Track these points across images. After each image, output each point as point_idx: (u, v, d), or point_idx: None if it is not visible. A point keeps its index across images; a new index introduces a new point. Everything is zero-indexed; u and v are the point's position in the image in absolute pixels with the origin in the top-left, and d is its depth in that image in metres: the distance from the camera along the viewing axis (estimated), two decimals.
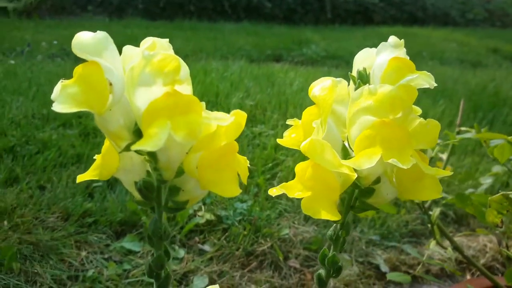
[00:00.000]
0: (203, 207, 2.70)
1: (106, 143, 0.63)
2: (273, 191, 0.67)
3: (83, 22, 10.91)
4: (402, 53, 0.64)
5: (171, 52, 0.60)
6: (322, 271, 0.73)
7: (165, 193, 0.61)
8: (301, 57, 8.92)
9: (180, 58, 0.58)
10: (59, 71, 5.08)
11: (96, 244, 2.36)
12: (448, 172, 0.63)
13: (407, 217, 2.95)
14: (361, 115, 0.60)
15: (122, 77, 0.56)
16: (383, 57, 0.63)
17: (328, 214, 0.61)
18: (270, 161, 3.36)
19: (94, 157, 0.68)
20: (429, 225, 1.48)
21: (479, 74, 7.78)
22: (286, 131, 0.75)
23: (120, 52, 0.60)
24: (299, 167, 0.66)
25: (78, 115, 3.72)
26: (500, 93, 6.08)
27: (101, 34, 0.55)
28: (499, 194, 0.97)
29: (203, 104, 0.56)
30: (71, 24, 10.23)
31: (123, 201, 2.63)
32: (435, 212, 1.36)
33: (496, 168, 1.67)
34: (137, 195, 0.60)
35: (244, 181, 0.62)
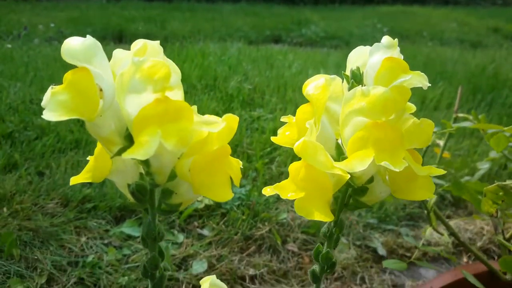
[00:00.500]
0: None
1: (99, 146, 0.63)
2: (267, 191, 0.68)
3: (80, 4, 10.80)
4: (396, 53, 0.63)
5: (162, 55, 0.59)
6: (316, 267, 0.74)
7: (158, 195, 0.61)
8: (300, 38, 8.87)
9: (170, 63, 0.58)
10: (56, 55, 5.04)
11: (95, 229, 2.37)
12: (441, 171, 0.63)
13: (404, 201, 2.96)
14: (354, 116, 0.60)
15: (112, 82, 0.55)
16: (376, 57, 0.63)
17: (321, 215, 0.61)
18: (268, 145, 3.37)
19: (87, 158, 0.69)
20: (425, 211, 1.49)
21: (479, 55, 7.74)
22: (280, 128, 0.75)
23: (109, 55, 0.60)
24: (293, 167, 0.66)
25: None
26: (499, 74, 6.06)
27: (89, 41, 0.55)
28: (494, 184, 0.97)
29: (194, 108, 0.55)
30: (68, 6, 10.13)
31: None
32: (431, 199, 1.36)
33: (493, 154, 1.67)
34: (130, 197, 0.61)
35: (237, 183, 0.62)
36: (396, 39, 0.65)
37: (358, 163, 0.58)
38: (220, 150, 0.58)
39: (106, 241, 2.31)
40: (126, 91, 0.52)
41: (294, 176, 0.65)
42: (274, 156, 3.26)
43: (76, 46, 0.55)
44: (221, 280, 2.24)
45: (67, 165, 2.83)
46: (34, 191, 2.52)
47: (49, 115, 0.52)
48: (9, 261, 2.04)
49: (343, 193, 0.68)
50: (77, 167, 2.85)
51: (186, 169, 0.57)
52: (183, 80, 4.62)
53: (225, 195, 0.58)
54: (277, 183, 0.67)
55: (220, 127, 0.54)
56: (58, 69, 4.48)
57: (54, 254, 2.13)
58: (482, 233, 2.88)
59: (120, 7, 10.10)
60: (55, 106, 0.53)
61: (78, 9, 10.09)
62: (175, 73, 0.53)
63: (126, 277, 2.04)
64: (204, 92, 4.43)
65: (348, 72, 0.69)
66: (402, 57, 0.64)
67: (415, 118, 0.64)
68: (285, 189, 0.65)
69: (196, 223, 2.54)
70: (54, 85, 0.56)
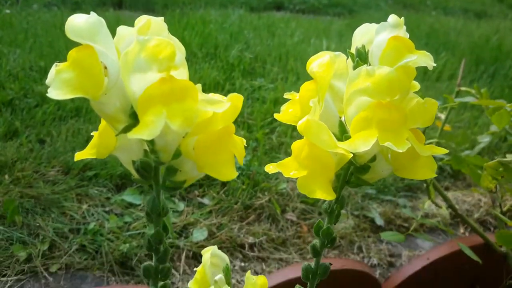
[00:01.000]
0: None
1: (103, 122, 0.63)
2: (270, 168, 0.68)
3: None
4: (402, 32, 0.63)
5: (166, 32, 0.59)
6: (316, 242, 0.75)
7: (163, 172, 0.62)
8: (303, 5, 8.71)
9: (175, 41, 0.57)
10: (55, 21, 4.97)
11: (97, 197, 2.39)
12: (444, 150, 0.63)
13: None
14: (358, 96, 0.60)
15: (117, 60, 0.55)
16: (382, 36, 0.62)
17: (324, 193, 0.62)
18: (269, 115, 3.36)
19: (91, 134, 0.69)
20: (424, 185, 1.50)
21: (483, 25, 7.63)
22: (283, 105, 0.75)
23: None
24: (296, 145, 0.66)
25: None
26: (503, 45, 5.99)
27: (93, 18, 0.54)
28: (494, 160, 0.98)
29: (199, 86, 0.55)
30: None
31: None
32: None
33: (494, 127, 1.67)
34: (135, 174, 0.61)
35: (241, 162, 0.62)
36: (402, 18, 0.64)
37: (361, 143, 0.58)
38: (224, 129, 0.58)
39: (107, 209, 2.34)
40: (131, 70, 0.51)
41: (297, 154, 0.66)
42: (275, 126, 3.26)
43: (80, 24, 0.54)
44: (221, 248, 2.28)
45: (67, 133, 2.83)
46: (35, 159, 2.53)
47: (54, 94, 0.52)
48: (12, 228, 2.06)
49: (345, 171, 0.69)
50: (78, 135, 2.85)
51: (190, 147, 0.57)
52: (184, 48, 4.58)
53: (229, 174, 0.59)
54: (280, 161, 0.67)
55: (225, 107, 0.54)
56: (57, 35, 4.42)
57: (55, 221, 2.16)
58: (480, 205, 2.91)
59: None
60: (60, 84, 0.52)
61: None
62: (180, 51, 0.53)
63: (127, 244, 2.07)
64: (205, 60, 4.39)
65: (353, 50, 0.68)
66: (408, 35, 0.63)
67: (419, 97, 0.64)
68: (288, 167, 0.66)
69: (196, 192, 2.56)
70: (58, 62, 0.55)
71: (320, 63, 0.66)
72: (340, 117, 0.69)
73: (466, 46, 5.80)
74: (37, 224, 2.10)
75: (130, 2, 6.80)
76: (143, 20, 0.57)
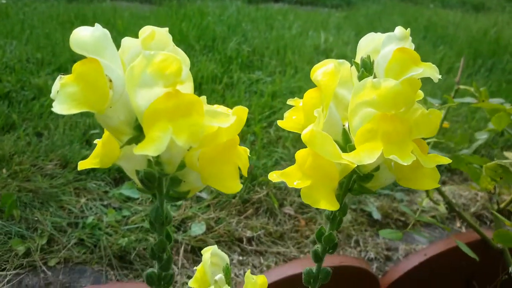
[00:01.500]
0: None
1: (106, 132, 0.62)
2: (273, 176, 0.68)
3: None
4: (407, 44, 0.63)
5: (171, 44, 0.58)
6: (318, 247, 0.75)
7: (167, 182, 0.62)
8: None
9: (180, 53, 0.56)
10: (52, 12, 4.94)
11: (95, 191, 2.39)
12: (447, 160, 0.63)
13: None
14: (364, 107, 0.60)
15: (122, 74, 0.54)
16: (388, 48, 0.62)
17: (328, 204, 0.62)
18: (267, 109, 3.36)
19: (95, 142, 0.68)
20: None
21: (481, 18, 7.63)
22: (286, 112, 0.74)
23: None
24: (299, 154, 0.66)
25: (73, 60, 3.66)
26: (501, 39, 5.99)
27: (99, 32, 0.53)
28: (494, 162, 0.99)
29: (204, 98, 0.55)
30: None
31: None
32: None
33: (492, 125, 1.68)
34: (138, 183, 0.61)
35: (245, 173, 0.62)
36: (408, 29, 0.64)
37: (366, 156, 0.59)
38: (229, 141, 0.59)
39: (105, 203, 2.34)
40: (137, 85, 0.51)
41: (301, 163, 0.66)
42: (273, 120, 3.26)
43: (85, 38, 0.54)
44: (219, 242, 2.28)
45: (65, 126, 2.83)
46: (33, 152, 2.53)
47: (58, 108, 0.51)
48: (10, 222, 2.07)
49: (347, 178, 0.69)
50: (75, 128, 2.85)
51: (195, 159, 0.57)
52: (181, 40, 4.52)
53: (234, 186, 0.59)
54: (284, 170, 0.67)
55: (230, 122, 0.53)
56: (54, 27, 4.40)
57: (54, 215, 2.16)
58: (476, 199, 2.93)
59: None
60: (64, 98, 0.52)
61: None
62: (185, 64, 0.53)
63: (126, 238, 2.07)
64: (202, 53, 4.38)
65: (358, 59, 0.68)
66: (413, 46, 0.63)
67: (423, 108, 0.64)
68: (292, 177, 0.66)
69: None
70: (63, 74, 0.55)
71: (324, 71, 0.66)
72: (344, 125, 0.69)
73: (464, 40, 5.80)
74: (36, 218, 2.11)
75: None
76: (147, 31, 0.57)
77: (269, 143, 3.04)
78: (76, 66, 0.54)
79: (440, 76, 0.62)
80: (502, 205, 1.48)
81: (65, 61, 3.63)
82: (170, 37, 0.59)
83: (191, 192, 0.63)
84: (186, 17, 5.35)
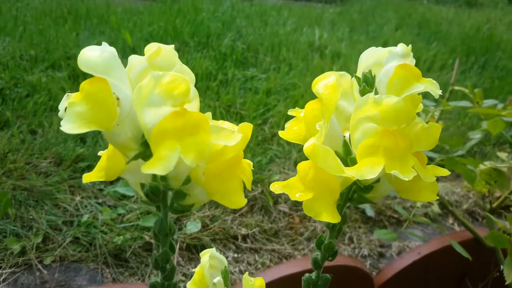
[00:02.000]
0: None
1: (111, 146, 0.63)
2: (275, 187, 0.69)
3: None
4: (409, 60, 0.64)
5: (177, 60, 0.59)
6: (318, 254, 0.77)
7: (171, 195, 0.62)
8: None
9: (187, 71, 0.57)
10: (45, 8, 4.90)
11: (90, 189, 2.39)
12: (446, 172, 0.65)
13: None
14: (365, 122, 0.61)
15: (130, 92, 0.55)
16: (390, 65, 0.63)
17: (329, 216, 0.63)
18: (261, 106, 3.36)
19: (98, 154, 0.69)
20: None
21: (474, 14, 7.66)
22: (287, 122, 0.75)
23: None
24: (301, 167, 0.67)
25: (67, 57, 3.64)
26: (494, 36, 6.03)
27: (107, 52, 0.54)
28: (488, 166, 1.00)
29: (209, 115, 0.55)
30: None
31: None
32: None
33: (485, 124, 1.70)
34: (143, 196, 0.62)
35: (249, 187, 0.63)
36: (410, 46, 0.65)
37: (368, 171, 0.60)
38: (234, 157, 0.59)
39: (100, 201, 2.34)
40: (145, 104, 0.51)
41: (303, 176, 0.67)
42: (267, 117, 3.27)
43: (94, 58, 0.54)
44: (214, 239, 2.29)
45: (59, 124, 2.81)
46: (27, 150, 2.52)
47: (67, 127, 0.52)
48: (5, 221, 2.06)
49: (348, 189, 0.70)
50: None
51: (200, 174, 0.58)
52: (175, 37, 4.49)
53: (238, 202, 0.60)
54: (286, 181, 0.68)
55: (237, 140, 0.54)
56: (48, 23, 4.36)
57: (49, 213, 2.16)
58: (468, 196, 2.96)
59: None
60: (73, 117, 0.52)
61: None
62: (192, 82, 0.53)
63: (121, 237, 2.08)
64: (197, 50, 4.37)
65: (359, 73, 0.69)
66: (414, 62, 0.65)
67: (423, 122, 0.65)
68: (294, 189, 0.67)
69: None
70: (70, 92, 0.55)
71: (326, 84, 0.67)
72: (344, 136, 0.70)
73: (457, 36, 5.83)
74: (31, 217, 2.10)
75: None
76: (153, 47, 0.58)
77: (264, 140, 3.05)
78: (84, 85, 0.55)
79: (440, 92, 0.63)
80: (494, 205, 1.50)
81: (59, 57, 3.61)
82: (176, 54, 0.60)
83: (195, 205, 0.63)
84: (180, 13, 5.33)
